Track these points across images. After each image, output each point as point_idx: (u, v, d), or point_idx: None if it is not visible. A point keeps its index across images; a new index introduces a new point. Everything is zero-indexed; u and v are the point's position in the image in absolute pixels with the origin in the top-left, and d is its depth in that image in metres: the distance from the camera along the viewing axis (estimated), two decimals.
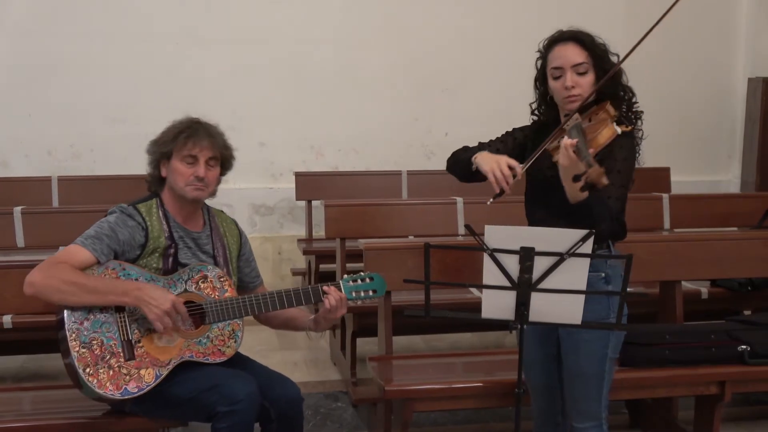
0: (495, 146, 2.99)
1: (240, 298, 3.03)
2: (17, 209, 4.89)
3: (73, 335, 2.84)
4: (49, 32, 6.20)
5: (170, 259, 3.01)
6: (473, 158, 2.84)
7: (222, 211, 3.30)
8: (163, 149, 3.03)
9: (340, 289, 3.09)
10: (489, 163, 2.73)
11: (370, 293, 3.14)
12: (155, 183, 3.11)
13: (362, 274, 3.16)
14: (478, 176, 2.85)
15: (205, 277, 3.02)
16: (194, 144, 3.00)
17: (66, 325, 2.84)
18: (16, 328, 4.05)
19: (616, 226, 2.81)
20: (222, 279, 3.05)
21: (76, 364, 2.82)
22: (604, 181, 2.49)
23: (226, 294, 3.03)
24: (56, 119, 6.28)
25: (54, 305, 2.88)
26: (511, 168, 2.70)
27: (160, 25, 6.33)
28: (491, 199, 2.70)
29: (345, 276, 3.15)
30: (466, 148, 3.01)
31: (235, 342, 3.04)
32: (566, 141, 2.57)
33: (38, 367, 4.89)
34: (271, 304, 3.05)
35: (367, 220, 5.04)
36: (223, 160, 3.10)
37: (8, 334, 4.14)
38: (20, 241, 4.86)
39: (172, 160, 3.02)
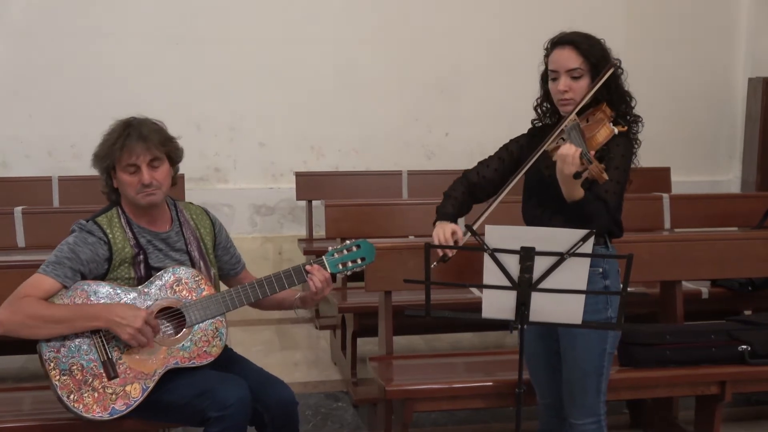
0: (493, 165, 3.07)
1: (219, 294, 2.96)
2: (18, 209, 4.89)
3: (52, 364, 2.80)
4: (49, 32, 6.20)
5: (141, 266, 2.94)
6: (435, 223, 3.01)
7: (190, 203, 3.20)
8: (104, 164, 2.95)
9: (324, 266, 3.01)
10: (437, 230, 2.95)
11: (359, 262, 3.05)
12: (111, 193, 3.03)
13: (347, 243, 3.06)
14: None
15: (179, 280, 2.93)
16: (129, 152, 2.88)
17: (44, 356, 2.81)
18: None
19: (612, 223, 2.85)
20: (197, 278, 2.96)
21: (59, 392, 2.79)
22: (605, 176, 2.59)
23: (204, 293, 2.95)
24: (57, 119, 6.29)
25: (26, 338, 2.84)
26: (453, 233, 2.90)
27: (161, 25, 6.34)
28: (434, 263, 2.86)
29: (329, 249, 3.05)
30: (464, 175, 3.10)
31: (219, 340, 2.95)
32: (569, 148, 2.61)
33: (39, 367, 4.84)
34: (252, 294, 2.97)
35: (367, 220, 5.04)
36: (168, 154, 2.98)
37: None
38: (21, 242, 4.86)
39: (117, 172, 2.94)
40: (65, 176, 5.94)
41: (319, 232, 6.08)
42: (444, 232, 2.91)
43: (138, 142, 2.90)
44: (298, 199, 6.28)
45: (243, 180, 6.67)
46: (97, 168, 3.02)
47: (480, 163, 3.10)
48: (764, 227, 5.17)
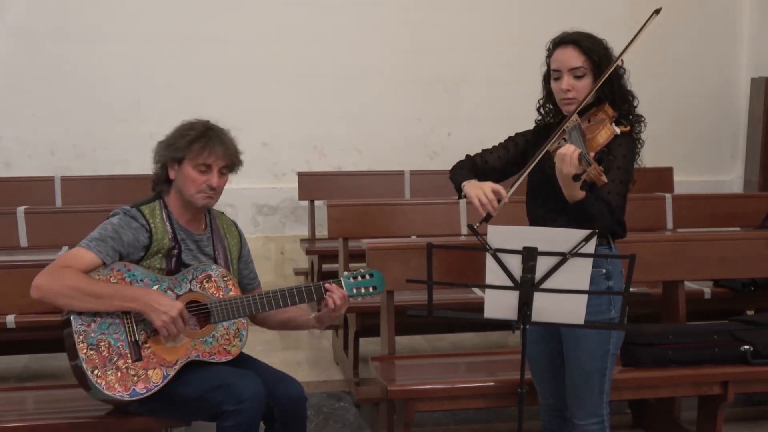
0: (497, 153, 3.06)
1: (244, 297, 3.04)
2: (20, 209, 4.90)
3: (81, 337, 2.84)
4: (52, 32, 6.21)
5: (173, 260, 3.01)
6: (462, 186, 2.91)
7: (223, 213, 3.30)
8: (175, 154, 3.01)
9: (341, 286, 3.10)
10: (475, 190, 2.81)
11: (371, 290, 3.14)
12: (161, 184, 3.10)
13: (362, 270, 3.17)
14: None
15: (209, 277, 3.03)
16: (210, 153, 2.99)
17: (73, 328, 2.84)
18: (20, 328, 4.05)
19: (615, 224, 2.83)
20: (226, 278, 3.06)
21: (85, 366, 2.82)
22: (603, 179, 2.58)
23: (230, 293, 3.05)
24: (59, 119, 6.30)
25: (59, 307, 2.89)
26: (496, 192, 2.77)
27: (163, 25, 6.34)
28: (478, 224, 2.75)
29: (345, 273, 3.16)
30: (468, 157, 3.08)
31: (240, 341, 3.06)
32: (568, 148, 2.61)
33: (41, 366, 4.90)
34: (274, 302, 3.05)
35: (369, 220, 5.04)
36: (233, 166, 3.11)
37: (11, 334, 4.14)
38: (23, 241, 4.87)
39: (184, 166, 3.00)
40: (67, 176, 5.96)
41: (322, 232, 6.08)
42: (484, 191, 2.77)
43: (220, 146, 3.01)
44: (300, 199, 6.29)
45: (245, 180, 6.62)
46: (160, 155, 3.06)
47: (484, 150, 3.09)
48: (766, 227, 5.16)
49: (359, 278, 3.14)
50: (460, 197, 2.97)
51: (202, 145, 2.98)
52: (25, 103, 6.25)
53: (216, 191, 3.03)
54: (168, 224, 3.03)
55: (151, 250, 2.97)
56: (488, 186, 2.80)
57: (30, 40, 6.20)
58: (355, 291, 3.13)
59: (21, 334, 4.17)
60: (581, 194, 2.66)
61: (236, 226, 3.31)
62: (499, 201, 2.76)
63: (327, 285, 3.07)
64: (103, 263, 2.89)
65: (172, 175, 3.05)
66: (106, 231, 2.93)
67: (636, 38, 2.80)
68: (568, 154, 2.60)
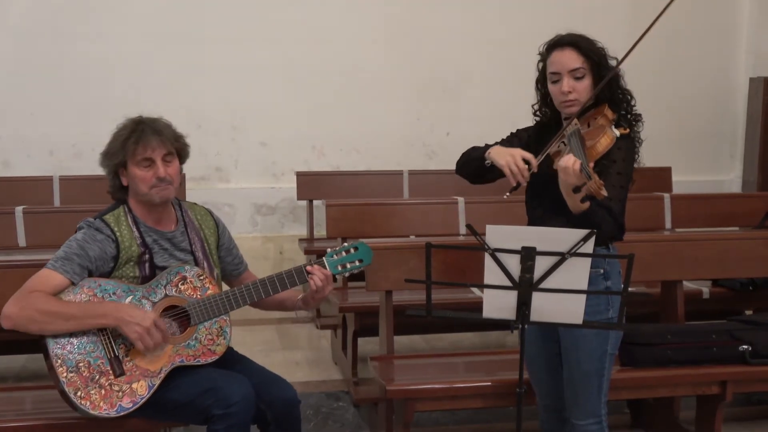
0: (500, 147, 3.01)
1: (223, 294, 2.99)
2: (19, 209, 4.90)
3: (59, 361, 2.81)
4: (51, 32, 6.21)
5: (146, 265, 2.95)
6: (486, 154, 2.85)
7: (195, 204, 3.23)
8: (115, 160, 2.97)
9: (324, 266, 3.05)
10: (504, 156, 2.75)
11: (357, 263, 3.08)
12: (118, 192, 3.05)
13: (346, 245, 3.10)
14: (491, 174, 2.90)
15: (184, 279, 2.96)
16: (145, 146, 2.92)
17: (51, 353, 2.81)
18: None
19: (616, 228, 2.82)
20: (202, 277, 2.99)
21: (67, 389, 2.79)
22: (603, 193, 2.53)
23: (208, 292, 2.98)
24: (58, 119, 6.30)
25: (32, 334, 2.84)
26: (526, 161, 2.73)
27: (162, 24, 6.34)
28: (507, 193, 2.71)
29: (329, 251, 3.09)
30: (475, 148, 3.04)
31: (224, 339, 2.99)
32: (569, 159, 2.59)
33: (40, 366, 4.84)
34: (255, 293, 3.00)
35: (368, 220, 5.04)
36: (178, 151, 3.03)
37: (9, 334, 4.10)
38: (22, 241, 4.86)
39: (129, 168, 2.96)
40: (66, 176, 5.95)
41: (320, 231, 6.08)
42: (515, 160, 2.70)
43: (153, 136, 2.94)
44: (299, 198, 6.29)
45: (244, 179, 6.67)
46: (106, 166, 3.04)
47: (487, 144, 3.04)
48: (765, 227, 5.17)
49: (343, 254, 3.08)
50: (480, 174, 2.93)
51: (134, 141, 2.93)
52: (24, 103, 6.25)
53: (167, 181, 2.96)
54: (135, 229, 2.97)
55: (120, 260, 2.92)
56: (518, 153, 2.73)
57: (30, 40, 6.20)
58: (340, 268, 3.07)
59: (19, 334, 4.12)
60: (585, 206, 2.64)
61: (211, 214, 3.23)
62: (529, 170, 2.72)
63: (308, 268, 3.02)
64: (72, 282, 2.84)
65: (124, 181, 3.01)
66: (71, 248, 2.88)
67: (654, 24, 2.77)
68: (569, 166, 2.57)
